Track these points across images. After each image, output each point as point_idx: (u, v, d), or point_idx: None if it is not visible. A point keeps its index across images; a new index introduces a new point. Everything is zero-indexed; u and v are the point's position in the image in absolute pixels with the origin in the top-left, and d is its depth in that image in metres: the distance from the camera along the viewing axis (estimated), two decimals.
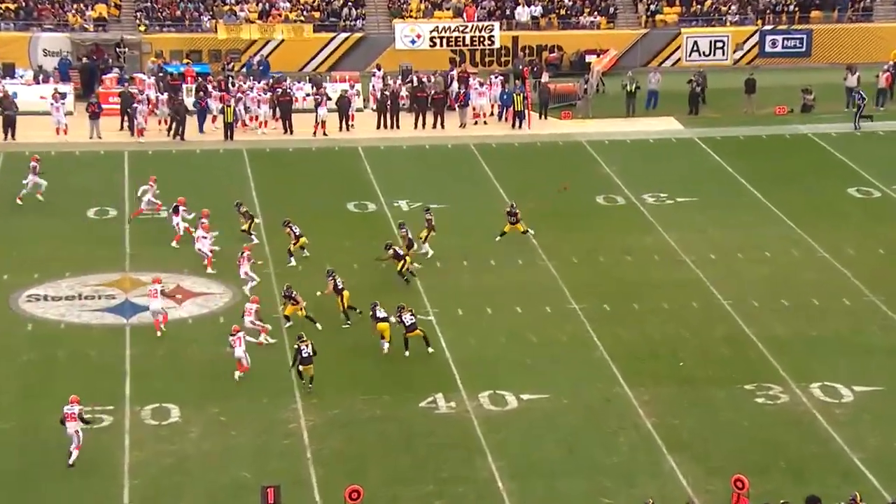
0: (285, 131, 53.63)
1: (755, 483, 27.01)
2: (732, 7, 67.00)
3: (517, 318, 36.78)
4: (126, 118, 53.28)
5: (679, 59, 65.63)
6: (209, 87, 55.07)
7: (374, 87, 57.18)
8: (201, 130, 53.40)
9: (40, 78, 57.66)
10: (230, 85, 55.85)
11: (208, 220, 40.32)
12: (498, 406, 31.94)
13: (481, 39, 64.39)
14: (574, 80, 60.22)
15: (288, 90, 54.90)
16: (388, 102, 54.70)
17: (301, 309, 35.49)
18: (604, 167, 50.05)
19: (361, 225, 43.81)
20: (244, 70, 60.23)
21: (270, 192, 46.47)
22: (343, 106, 54.13)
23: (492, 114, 56.49)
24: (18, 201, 44.67)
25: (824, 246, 41.85)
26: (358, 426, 30.92)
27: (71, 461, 28.89)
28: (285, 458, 29.51)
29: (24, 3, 63.00)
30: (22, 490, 28.26)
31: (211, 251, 39.65)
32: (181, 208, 41.69)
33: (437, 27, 64.27)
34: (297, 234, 39.96)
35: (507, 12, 65.84)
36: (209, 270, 39.47)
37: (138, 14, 63.63)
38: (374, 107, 55.69)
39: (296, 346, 32.57)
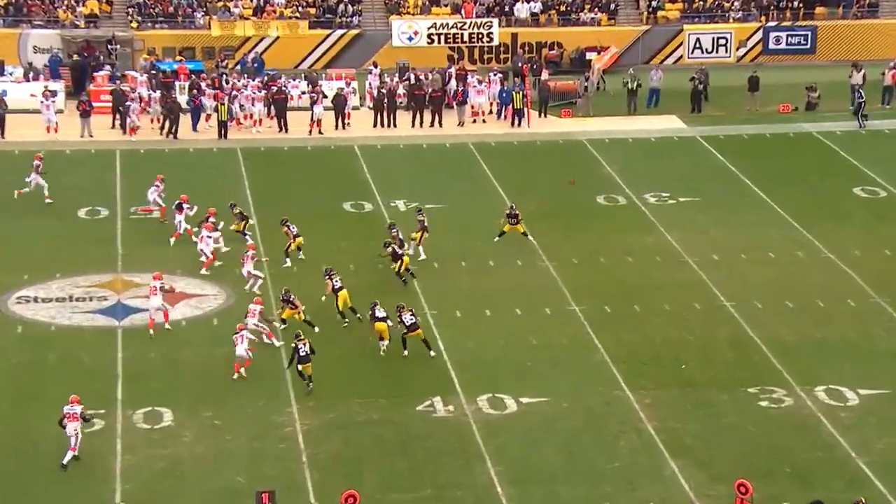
0: (280, 130, 53.46)
1: (759, 488, 27.02)
2: (735, 3, 67.06)
3: (516, 320, 36.64)
4: (118, 116, 53.14)
5: (681, 57, 65.58)
6: (203, 84, 54.87)
7: (370, 84, 57.08)
8: (195, 129, 53.27)
9: (30, 75, 57.44)
10: (224, 83, 55.60)
11: (214, 219, 40.26)
12: (497, 410, 31.77)
13: (480, 36, 64.35)
14: (574, 77, 60.14)
15: (283, 88, 54.72)
16: (385, 100, 54.55)
17: (299, 313, 35.38)
18: (605, 166, 49.97)
19: (358, 225, 43.66)
20: (238, 67, 60.04)
21: (265, 192, 46.31)
22: (339, 104, 53.95)
23: (490, 112, 56.37)
24: (16, 195, 44.41)
25: (829, 246, 41.76)
26: (354, 430, 30.76)
27: (65, 461, 28.74)
28: (280, 462, 29.37)
29: (13, 0, 62.66)
30: (12, 494, 28.08)
31: (213, 253, 39.45)
32: (184, 206, 41.47)
33: (435, 24, 64.23)
34: (295, 233, 39.83)
35: (506, 8, 65.91)
36: (203, 271, 39.16)
37: (130, 10, 63.59)
38: (371, 105, 55.57)
39: (293, 345, 32.49)
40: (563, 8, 66.36)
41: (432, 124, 54.61)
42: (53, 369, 33.64)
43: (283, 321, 35.47)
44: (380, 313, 34.16)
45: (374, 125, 54.36)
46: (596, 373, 33.64)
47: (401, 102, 55.44)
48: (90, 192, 46.14)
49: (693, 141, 53.23)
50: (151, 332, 35.20)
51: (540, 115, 55.97)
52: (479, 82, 56.37)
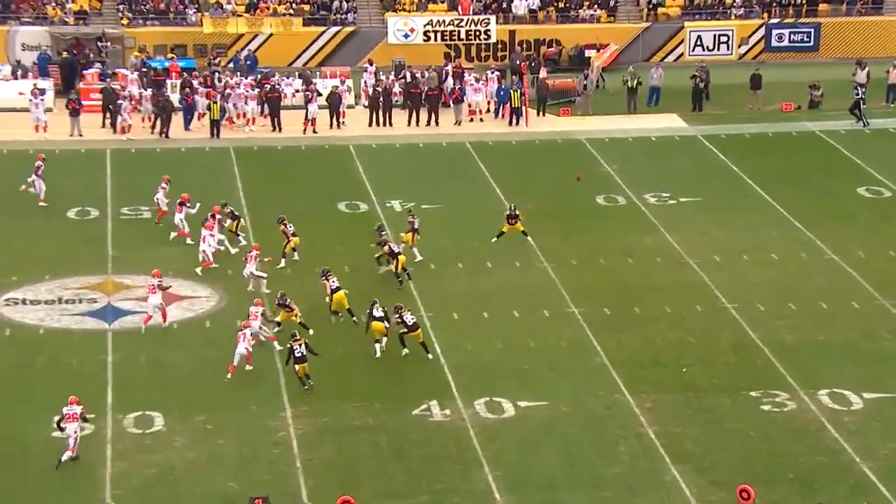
0: (274, 129, 53.29)
1: (761, 493, 27.04)
2: (737, 0, 66.41)
3: (514, 323, 36.49)
4: (108, 115, 52.93)
5: (682, 54, 65.48)
6: (195, 82, 54.69)
7: (365, 82, 56.87)
8: (187, 128, 53.14)
9: (18, 73, 57.22)
10: (216, 81, 55.43)
11: (215, 218, 40.07)
12: (494, 414, 31.60)
13: (477, 33, 64.21)
14: (573, 75, 59.97)
15: (276, 86, 54.55)
16: (381, 99, 54.40)
17: (295, 315, 35.26)
18: (604, 166, 49.84)
19: (352, 226, 43.46)
20: (231, 65, 59.94)
21: (258, 192, 46.17)
22: (334, 102, 53.78)
23: (488, 111, 56.26)
24: (23, 188, 44.29)
25: (832, 247, 41.64)
26: (349, 435, 30.61)
27: (62, 458, 28.70)
28: (274, 467, 29.22)
29: None
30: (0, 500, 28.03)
31: (214, 254, 39.23)
32: (186, 204, 41.26)
33: (432, 21, 64.11)
34: (291, 233, 39.71)
35: (504, 5, 65.85)
36: (197, 271, 38.96)
37: (120, 7, 63.36)
38: (366, 103, 55.36)
39: (289, 346, 32.47)
40: (561, 4, 66.33)
41: (428, 123, 54.46)
42: (42, 373, 33.44)
43: (279, 324, 35.32)
44: (377, 312, 34.07)
45: (370, 124, 54.22)
46: (595, 376, 33.51)
47: (396, 101, 55.26)
48: (80, 192, 45.96)
49: (694, 140, 53.17)
50: (143, 327, 35.10)
51: (538, 113, 55.86)
52: (477, 80, 56.17)
